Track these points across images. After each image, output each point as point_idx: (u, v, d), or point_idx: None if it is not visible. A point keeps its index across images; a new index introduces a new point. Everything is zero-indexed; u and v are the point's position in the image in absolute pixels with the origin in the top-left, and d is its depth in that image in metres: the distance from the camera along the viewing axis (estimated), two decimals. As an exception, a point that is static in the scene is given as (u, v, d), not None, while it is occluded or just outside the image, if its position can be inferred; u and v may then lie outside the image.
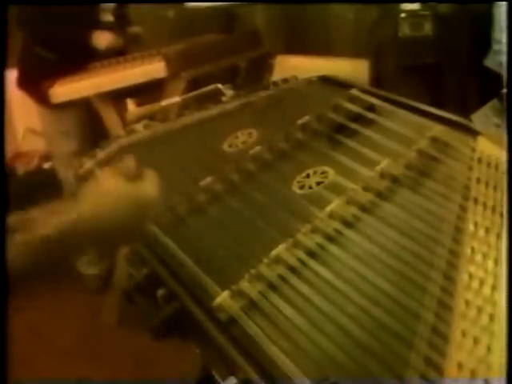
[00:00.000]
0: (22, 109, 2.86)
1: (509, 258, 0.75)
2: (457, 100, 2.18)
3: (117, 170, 0.78)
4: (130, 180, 0.76)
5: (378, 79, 2.26)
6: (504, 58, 1.89)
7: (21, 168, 3.55)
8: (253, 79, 2.36)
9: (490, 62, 2.02)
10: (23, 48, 2.44)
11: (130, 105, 2.24)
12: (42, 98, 2.25)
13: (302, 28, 2.89)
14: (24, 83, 2.45)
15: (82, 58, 2.26)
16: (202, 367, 1.18)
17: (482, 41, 2.08)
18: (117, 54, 2.33)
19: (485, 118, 1.33)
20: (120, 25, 2.43)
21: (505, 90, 1.37)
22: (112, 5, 2.40)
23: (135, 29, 2.50)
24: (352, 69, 2.31)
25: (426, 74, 2.17)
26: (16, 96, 2.65)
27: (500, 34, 1.95)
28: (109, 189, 0.75)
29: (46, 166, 3.41)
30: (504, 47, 1.90)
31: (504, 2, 1.91)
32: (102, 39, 2.29)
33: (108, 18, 2.41)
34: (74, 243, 0.71)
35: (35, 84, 2.25)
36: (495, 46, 1.99)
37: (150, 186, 0.78)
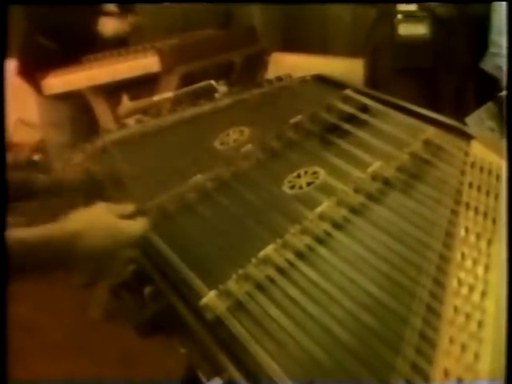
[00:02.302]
0: (14, 99, 2.83)
1: (509, 260, 0.75)
2: (453, 103, 2.17)
3: (114, 209, 0.85)
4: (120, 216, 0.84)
5: (373, 80, 2.25)
6: (501, 61, 1.88)
7: (10, 159, 3.54)
8: (248, 75, 2.35)
9: (486, 65, 2.01)
10: (25, 37, 2.42)
11: (125, 99, 2.23)
12: (40, 88, 2.23)
13: (299, 26, 2.89)
14: (24, 72, 2.43)
15: (83, 48, 2.25)
16: (187, 366, 1.18)
17: (479, 43, 2.07)
18: (120, 42, 2.31)
19: (479, 121, 1.33)
20: (123, 14, 2.40)
21: (504, 93, 1.36)
22: None
23: (136, 18, 2.47)
24: (348, 68, 2.30)
25: (423, 76, 2.16)
26: (8, 86, 2.62)
27: (498, 37, 1.94)
28: (99, 218, 0.82)
29: (36, 157, 3.40)
30: (501, 50, 1.90)
31: (503, 3, 1.90)
32: (109, 26, 2.27)
33: (112, 7, 2.38)
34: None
35: (35, 74, 2.23)
36: (492, 49, 1.98)
37: (137, 226, 0.84)
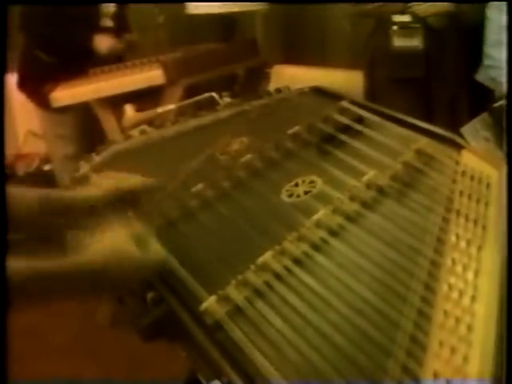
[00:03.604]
0: (24, 111, 2.88)
1: (509, 264, 0.77)
2: (447, 111, 2.19)
3: (127, 232, 0.83)
4: (136, 244, 0.82)
5: (371, 91, 2.27)
6: (495, 73, 1.90)
7: (21, 169, 3.60)
8: (250, 87, 2.38)
9: (481, 77, 2.03)
10: (24, 51, 2.46)
11: (129, 110, 2.27)
12: (41, 101, 2.27)
13: (299, 39, 2.92)
14: (24, 86, 2.47)
15: (81, 62, 2.29)
16: (190, 369, 1.20)
17: (473, 55, 2.09)
18: (116, 59, 2.36)
19: (474, 131, 1.34)
20: (119, 30, 2.46)
21: (500, 103, 1.38)
22: (112, 10, 2.43)
23: (131, 36, 2.53)
24: (347, 80, 2.33)
25: (417, 86, 2.19)
26: (18, 98, 2.68)
27: (491, 50, 1.96)
28: (122, 249, 0.80)
29: (46, 167, 3.45)
30: (495, 62, 1.92)
31: (500, 11, 1.93)
32: (104, 43, 2.31)
33: (108, 23, 2.43)
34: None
35: (35, 87, 2.27)
36: (486, 61, 2.00)
37: (152, 255, 0.83)
